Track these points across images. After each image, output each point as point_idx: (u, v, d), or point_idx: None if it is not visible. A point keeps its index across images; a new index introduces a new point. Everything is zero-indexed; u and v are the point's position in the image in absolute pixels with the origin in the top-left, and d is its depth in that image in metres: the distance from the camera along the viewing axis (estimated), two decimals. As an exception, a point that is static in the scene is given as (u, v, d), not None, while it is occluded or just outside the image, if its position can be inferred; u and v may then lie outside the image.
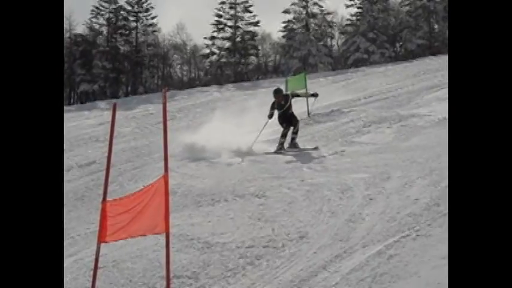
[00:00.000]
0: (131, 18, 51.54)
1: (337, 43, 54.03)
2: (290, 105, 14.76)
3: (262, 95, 29.53)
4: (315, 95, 15.54)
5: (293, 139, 14.42)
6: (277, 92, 15.00)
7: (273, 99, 14.95)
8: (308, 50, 49.82)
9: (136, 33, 51.42)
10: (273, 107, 14.83)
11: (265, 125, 14.72)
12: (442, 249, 6.38)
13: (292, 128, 14.55)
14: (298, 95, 15.73)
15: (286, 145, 14.33)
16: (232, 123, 16.31)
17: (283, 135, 14.41)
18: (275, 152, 14.03)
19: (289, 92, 15.91)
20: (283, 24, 52.21)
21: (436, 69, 29.52)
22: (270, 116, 14.74)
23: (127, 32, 51.53)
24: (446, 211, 7.64)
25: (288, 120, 14.61)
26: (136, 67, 51.41)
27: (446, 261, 5.99)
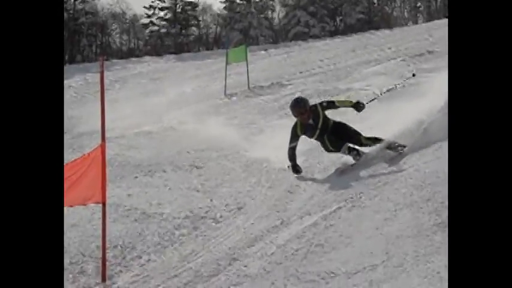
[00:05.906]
0: (69, -15, 50.22)
1: (278, 16, 54.02)
2: (325, 118, 9.13)
3: (203, 67, 29.43)
4: (357, 107, 9.19)
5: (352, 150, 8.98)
6: (297, 106, 9.08)
7: (293, 120, 9.29)
8: (249, 22, 49.65)
9: (74, 0, 50.16)
10: (295, 136, 9.15)
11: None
12: (376, 219, 6.51)
13: (350, 143, 9.02)
14: (333, 105, 9.31)
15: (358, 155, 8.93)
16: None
17: (349, 152, 8.97)
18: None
19: (317, 102, 9.42)
20: (225, -4, 51.87)
21: (374, 44, 29.86)
22: (294, 168, 9.07)
23: (64, 0, 50.20)
24: (381, 183, 7.80)
25: (337, 138, 9.10)
26: (74, 35, 50.17)
27: (379, 232, 6.14)
